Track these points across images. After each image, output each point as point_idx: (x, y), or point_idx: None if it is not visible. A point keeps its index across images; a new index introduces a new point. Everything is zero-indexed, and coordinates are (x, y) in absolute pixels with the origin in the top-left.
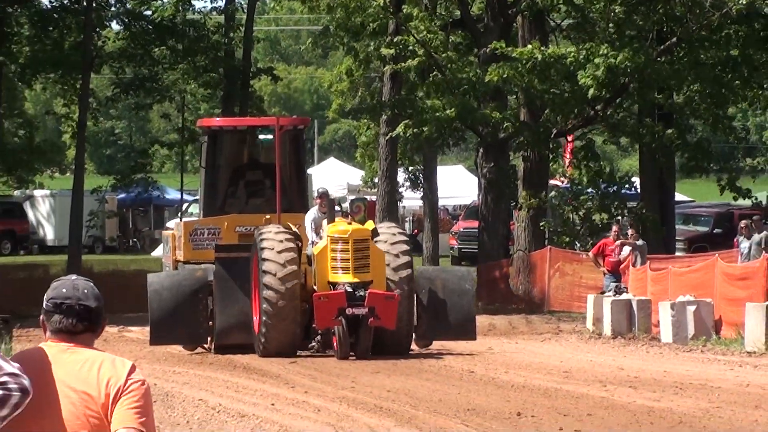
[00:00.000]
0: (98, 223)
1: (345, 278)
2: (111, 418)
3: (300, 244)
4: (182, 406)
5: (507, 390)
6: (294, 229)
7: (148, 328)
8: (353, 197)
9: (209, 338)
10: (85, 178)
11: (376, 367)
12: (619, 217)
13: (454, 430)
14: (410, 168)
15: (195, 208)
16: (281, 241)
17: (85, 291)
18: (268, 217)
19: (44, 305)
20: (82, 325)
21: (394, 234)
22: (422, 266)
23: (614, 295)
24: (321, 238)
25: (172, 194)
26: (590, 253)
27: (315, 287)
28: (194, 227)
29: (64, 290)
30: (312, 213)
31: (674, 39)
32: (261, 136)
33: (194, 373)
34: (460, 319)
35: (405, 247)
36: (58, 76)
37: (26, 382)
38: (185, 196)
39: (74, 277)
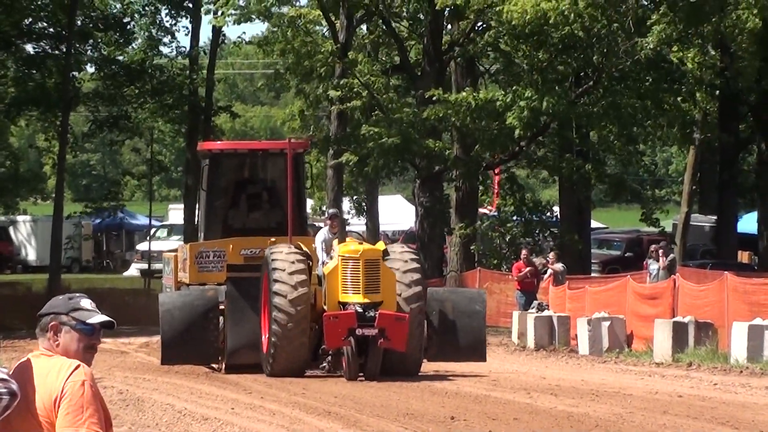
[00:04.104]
0: (75, 245)
1: (355, 298)
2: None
3: (310, 263)
4: (152, 410)
5: (442, 396)
6: (304, 249)
7: (120, 340)
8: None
9: (219, 358)
10: (63, 205)
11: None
12: (538, 242)
13: None
14: (354, 197)
15: (162, 233)
16: (292, 262)
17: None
18: (273, 240)
19: None
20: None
21: (405, 255)
22: (433, 288)
23: (537, 312)
24: (331, 258)
25: (142, 220)
26: (514, 277)
27: (325, 307)
28: (200, 249)
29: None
30: (323, 233)
31: (590, 83)
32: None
33: (162, 381)
34: (470, 341)
35: (416, 265)
36: (40, 113)
37: (14, 386)
38: (153, 222)
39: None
